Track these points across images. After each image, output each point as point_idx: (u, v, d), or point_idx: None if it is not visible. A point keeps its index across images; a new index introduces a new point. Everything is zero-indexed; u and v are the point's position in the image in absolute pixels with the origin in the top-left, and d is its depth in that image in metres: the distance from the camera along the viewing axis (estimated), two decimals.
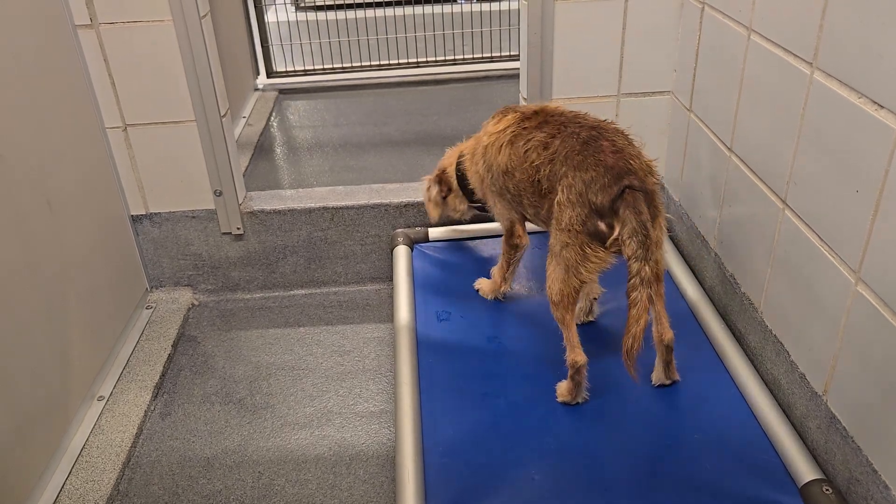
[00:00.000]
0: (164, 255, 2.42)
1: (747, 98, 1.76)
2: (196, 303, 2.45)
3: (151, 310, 2.37)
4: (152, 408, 2.00)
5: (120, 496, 1.73)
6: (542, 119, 1.70)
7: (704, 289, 2.08)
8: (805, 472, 1.48)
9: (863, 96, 1.29)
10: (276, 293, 2.49)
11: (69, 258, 1.91)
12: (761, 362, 1.78)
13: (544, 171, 1.61)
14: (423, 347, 1.93)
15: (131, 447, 1.85)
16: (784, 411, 1.64)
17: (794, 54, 1.51)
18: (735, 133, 1.84)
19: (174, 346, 2.22)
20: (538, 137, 1.65)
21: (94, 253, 2.07)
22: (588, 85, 2.22)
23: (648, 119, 2.31)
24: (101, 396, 1.99)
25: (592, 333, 1.93)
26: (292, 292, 2.49)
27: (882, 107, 1.23)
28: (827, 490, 1.43)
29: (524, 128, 1.71)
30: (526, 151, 1.67)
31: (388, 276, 2.47)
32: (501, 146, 1.75)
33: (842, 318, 1.40)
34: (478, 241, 2.39)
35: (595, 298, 1.97)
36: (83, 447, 1.83)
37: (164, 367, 2.13)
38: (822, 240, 1.46)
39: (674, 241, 2.32)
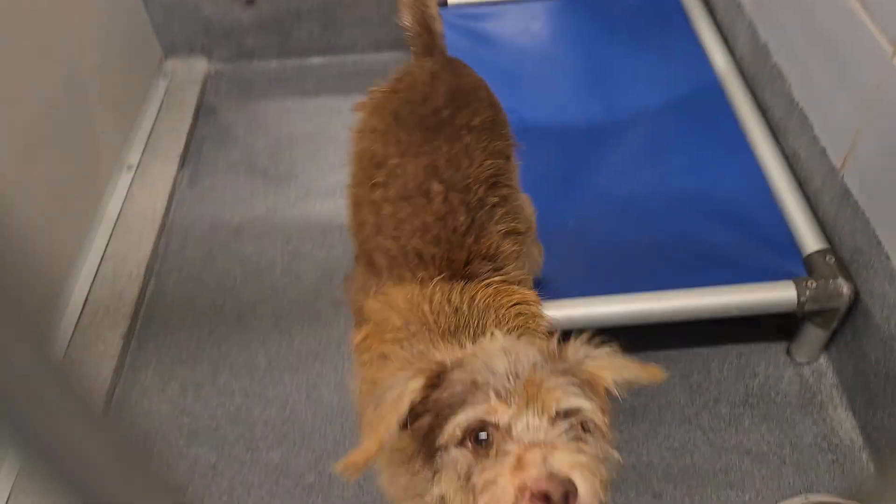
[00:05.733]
0: (174, 20, 2.34)
1: None
2: (212, 71, 2.42)
3: (168, 79, 2.35)
4: (180, 177, 2.06)
5: (159, 259, 1.85)
6: None
7: (735, 58, 2.00)
8: (811, 242, 1.53)
9: None
10: (293, 61, 2.43)
11: (81, 29, 1.85)
12: (783, 135, 1.76)
13: None
14: None
15: (164, 214, 1.93)
16: (800, 185, 1.66)
17: None
18: None
19: (195, 116, 2.23)
20: None
21: (105, 20, 2.01)
22: None
23: None
24: (129, 166, 2.04)
25: None
26: (309, 60, 2.43)
27: None
28: (830, 260, 1.48)
29: None
30: None
31: (408, 44, 2.39)
32: None
33: (871, 92, 1.36)
34: (510, 4, 2.23)
35: None
36: (119, 214, 1.92)
37: (187, 137, 2.15)
38: (863, 7, 1.37)
39: (708, 6, 2.19)
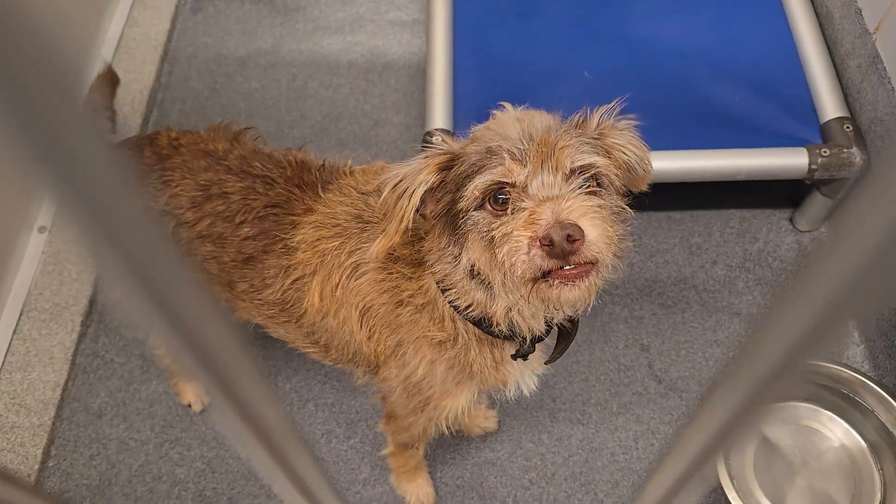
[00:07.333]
0: None
1: None
2: None
3: None
4: (183, 2, 1.97)
5: (162, 88, 1.81)
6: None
7: None
8: (831, 109, 1.48)
9: None
10: None
11: None
12: None
13: None
14: None
15: (167, 42, 1.87)
16: (828, 48, 1.59)
17: None
18: None
19: None
20: None
21: None
22: None
23: None
24: None
25: None
26: None
27: None
28: (847, 128, 1.45)
29: None
30: None
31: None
32: None
33: None
34: None
35: None
36: (120, 38, 1.85)
37: None
38: None
39: None
